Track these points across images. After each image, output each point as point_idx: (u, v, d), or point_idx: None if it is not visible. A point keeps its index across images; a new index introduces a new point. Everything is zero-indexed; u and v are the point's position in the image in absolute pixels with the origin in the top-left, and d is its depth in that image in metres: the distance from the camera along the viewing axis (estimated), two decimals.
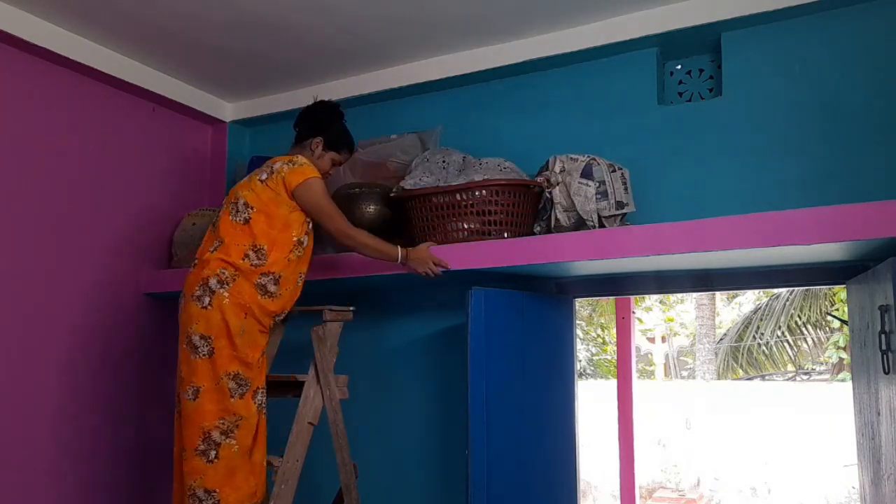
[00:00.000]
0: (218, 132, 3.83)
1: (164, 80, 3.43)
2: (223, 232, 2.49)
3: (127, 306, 3.32)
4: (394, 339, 3.34)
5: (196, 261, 2.54)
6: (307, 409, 2.61)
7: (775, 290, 10.01)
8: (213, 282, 2.42)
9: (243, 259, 2.45)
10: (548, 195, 2.67)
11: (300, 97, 3.58)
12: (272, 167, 2.54)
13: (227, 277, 2.43)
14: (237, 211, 2.51)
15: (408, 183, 2.79)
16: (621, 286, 2.99)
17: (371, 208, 2.96)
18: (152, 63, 3.32)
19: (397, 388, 3.30)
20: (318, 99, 2.75)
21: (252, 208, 2.49)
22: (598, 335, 12.71)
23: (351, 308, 2.76)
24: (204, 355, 2.38)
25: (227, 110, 3.80)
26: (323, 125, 2.66)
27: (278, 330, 2.92)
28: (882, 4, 2.56)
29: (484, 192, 2.65)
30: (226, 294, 2.41)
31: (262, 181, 2.52)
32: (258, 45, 3.12)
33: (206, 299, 2.41)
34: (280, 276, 2.49)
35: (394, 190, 2.86)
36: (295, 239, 2.52)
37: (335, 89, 3.47)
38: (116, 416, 3.24)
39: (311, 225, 2.58)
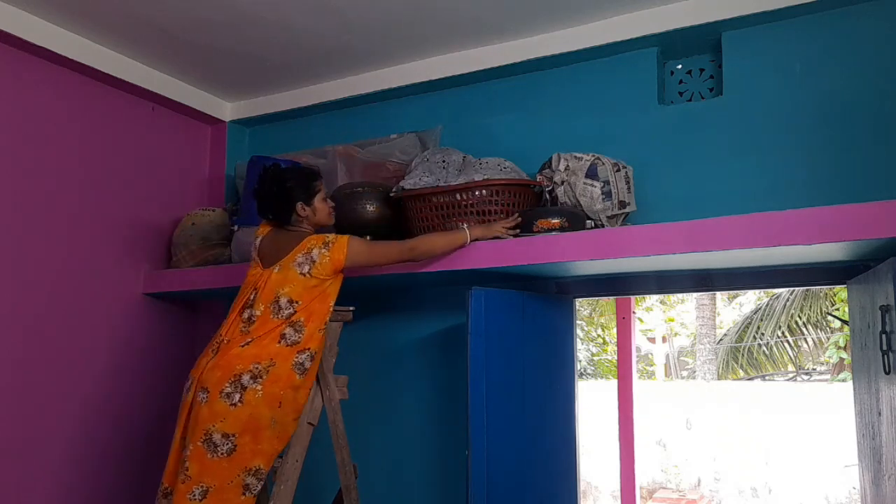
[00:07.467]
0: (218, 132, 3.83)
1: (164, 80, 3.43)
2: (260, 329, 2.32)
3: (127, 306, 3.32)
4: (394, 339, 3.34)
5: (217, 347, 2.35)
6: (307, 410, 2.60)
7: (776, 291, 10.01)
8: (245, 378, 2.25)
9: (279, 342, 2.31)
10: (547, 195, 2.67)
11: (300, 97, 3.59)
12: (310, 255, 2.37)
13: (261, 370, 2.26)
14: (279, 309, 2.34)
15: (408, 183, 2.79)
16: (622, 286, 2.99)
17: (371, 208, 2.96)
18: (152, 63, 3.32)
19: (397, 388, 3.30)
20: (265, 167, 2.49)
21: (297, 303, 2.35)
22: (599, 335, 12.70)
23: (351, 308, 2.75)
24: (223, 454, 2.22)
25: (227, 110, 3.80)
26: (287, 193, 2.46)
27: None
28: (882, 4, 2.56)
29: (484, 191, 2.65)
30: (259, 388, 2.25)
31: (304, 274, 2.36)
32: (258, 44, 3.12)
33: (237, 396, 2.23)
34: (315, 353, 2.37)
35: (394, 190, 2.86)
36: (332, 306, 2.42)
37: (335, 89, 3.48)
38: (117, 415, 3.24)
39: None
